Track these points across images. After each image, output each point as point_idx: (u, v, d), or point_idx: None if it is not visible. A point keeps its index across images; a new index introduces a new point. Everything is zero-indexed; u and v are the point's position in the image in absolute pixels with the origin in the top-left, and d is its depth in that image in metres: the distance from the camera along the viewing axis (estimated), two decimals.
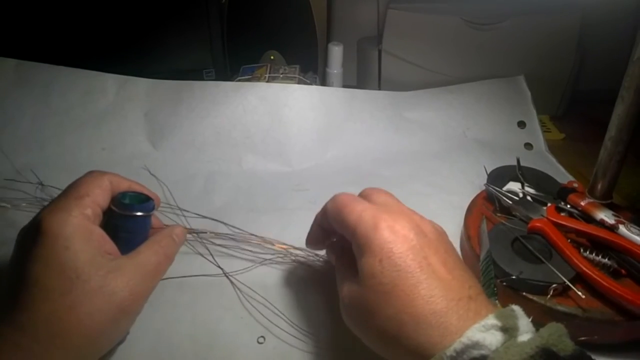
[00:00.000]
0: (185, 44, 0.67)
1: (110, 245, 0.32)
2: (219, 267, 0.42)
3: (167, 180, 0.52)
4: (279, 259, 0.44)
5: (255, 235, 0.45)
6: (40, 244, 0.29)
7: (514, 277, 0.38)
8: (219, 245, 0.44)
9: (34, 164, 0.54)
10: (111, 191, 0.34)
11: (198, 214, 0.47)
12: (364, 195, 0.36)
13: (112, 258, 0.31)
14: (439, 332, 0.27)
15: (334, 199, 0.35)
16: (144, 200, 0.35)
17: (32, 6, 0.60)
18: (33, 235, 0.29)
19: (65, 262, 0.29)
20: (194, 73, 0.68)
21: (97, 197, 0.32)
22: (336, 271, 0.36)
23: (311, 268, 0.43)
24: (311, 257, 0.44)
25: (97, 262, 0.30)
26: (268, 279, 0.42)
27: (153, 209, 0.35)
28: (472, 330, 0.27)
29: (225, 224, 0.46)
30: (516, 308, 0.28)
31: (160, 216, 0.46)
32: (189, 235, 0.45)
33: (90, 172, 0.34)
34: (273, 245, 0.44)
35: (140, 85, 0.61)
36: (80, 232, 0.30)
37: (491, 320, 0.27)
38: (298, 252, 0.44)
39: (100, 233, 0.31)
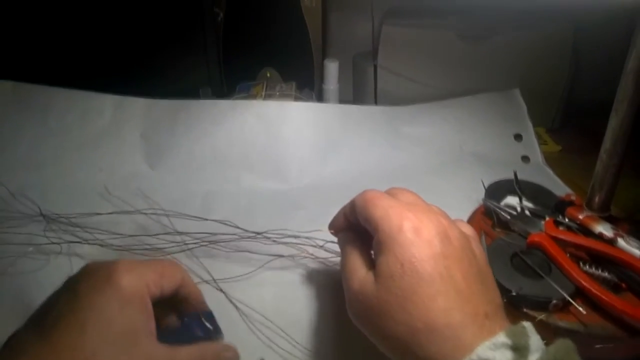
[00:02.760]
0: (182, 63, 0.68)
1: (153, 324, 0.31)
2: (222, 291, 0.42)
3: (164, 200, 0.52)
4: (280, 263, 0.44)
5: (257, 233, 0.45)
6: (104, 293, 0.29)
7: (513, 293, 0.38)
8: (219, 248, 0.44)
9: (32, 185, 0.54)
10: (176, 287, 0.33)
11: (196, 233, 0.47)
12: (391, 193, 0.35)
13: (152, 341, 0.30)
14: (451, 345, 0.27)
15: (363, 192, 0.35)
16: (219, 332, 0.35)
17: (29, 28, 0.60)
18: (101, 281, 0.29)
19: (115, 322, 0.28)
20: (191, 91, 0.68)
21: (167, 283, 0.32)
22: (347, 261, 0.35)
23: (312, 280, 0.43)
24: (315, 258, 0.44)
25: (138, 337, 0.29)
26: (266, 293, 0.41)
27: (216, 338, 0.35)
28: (483, 347, 0.26)
29: (224, 223, 0.46)
30: (527, 325, 0.28)
31: (155, 240, 0.46)
32: (179, 249, 0.45)
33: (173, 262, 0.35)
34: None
35: (137, 105, 0.61)
36: (142, 300, 0.30)
37: (501, 338, 0.27)
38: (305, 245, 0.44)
39: (151, 309, 0.31)
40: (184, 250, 0.45)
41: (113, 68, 0.64)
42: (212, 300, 0.40)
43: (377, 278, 0.30)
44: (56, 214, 0.49)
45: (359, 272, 0.32)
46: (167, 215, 0.49)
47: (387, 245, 0.30)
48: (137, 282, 0.30)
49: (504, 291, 0.38)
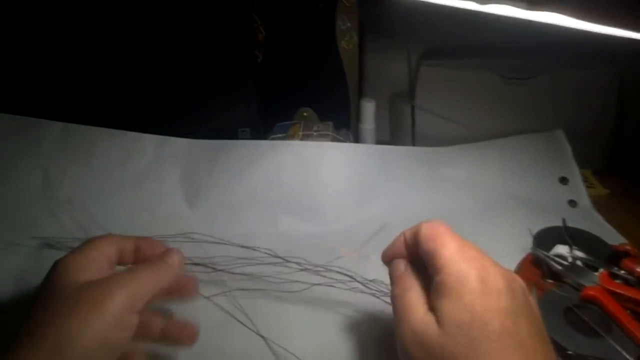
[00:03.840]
0: (222, 104, 0.69)
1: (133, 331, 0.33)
2: (262, 336, 0.41)
3: (202, 242, 0.52)
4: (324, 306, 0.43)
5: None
6: (95, 315, 0.30)
7: (570, 352, 0.35)
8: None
9: (76, 224, 0.55)
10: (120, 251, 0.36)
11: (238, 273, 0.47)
12: None
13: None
14: None
15: (430, 224, 0.34)
16: None
17: (78, 73, 0.63)
18: (93, 302, 0.31)
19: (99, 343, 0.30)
20: (230, 132, 0.69)
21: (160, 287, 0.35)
22: (402, 294, 0.33)
23: (356, 325, 0.42)
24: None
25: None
26: (306, 336, 0.40)
27: None
28: None
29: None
30: None
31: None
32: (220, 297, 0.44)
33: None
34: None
35: (178, 145, 0.62)
36: (127, 321, 0.32)
37: None
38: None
39: (134, 325, 0.32)
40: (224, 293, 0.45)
41: (155, 110, 0.66)
42: (251, 344, 0.40)
43: (440, 324, 0.29)
44: None
45: (417, 310, 0.31)
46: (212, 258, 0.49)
47: (455, 290, 0.29)
48: (127, 305, 0.32)
49: (558, 349, 0.36)
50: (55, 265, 0.33)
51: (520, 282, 0.31)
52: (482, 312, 0.28)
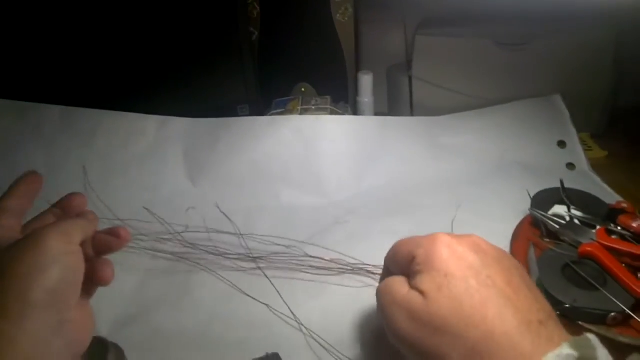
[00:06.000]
0: (220, 82, 0.69)
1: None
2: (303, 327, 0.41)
3: (208, 217, 0.53)
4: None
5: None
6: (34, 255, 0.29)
7: (567, 305, 0.36)
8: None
9: None
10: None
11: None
12: None
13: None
14: (513, 355, 0.26)
15: (393, 246, 0.36)
16: None
17: (73, 55, 0.63)
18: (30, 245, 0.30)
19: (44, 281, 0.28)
20: (229, 109, 0.69)
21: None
22: (384, 284, 0.34)
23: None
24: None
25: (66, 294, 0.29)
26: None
27: None
28: (548, 358, 0.25)
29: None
30: (592, 337, 0.27)
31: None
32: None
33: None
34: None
35: (179, 125, 0.62)
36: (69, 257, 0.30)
37: (566, 349, 0.25)
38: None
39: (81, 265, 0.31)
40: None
41: (154, 90, 0.66)
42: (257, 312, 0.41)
43: (424, 295, 0.30)
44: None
45: (401, 290, 0.32)
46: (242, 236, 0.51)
47: (426, 263, 0.31)
48: (63, 239, 0.29)
49: (556, 303, 0.37)
50: None
51: (483, 241, 0.33)
52: (455, 271, 0.30)
